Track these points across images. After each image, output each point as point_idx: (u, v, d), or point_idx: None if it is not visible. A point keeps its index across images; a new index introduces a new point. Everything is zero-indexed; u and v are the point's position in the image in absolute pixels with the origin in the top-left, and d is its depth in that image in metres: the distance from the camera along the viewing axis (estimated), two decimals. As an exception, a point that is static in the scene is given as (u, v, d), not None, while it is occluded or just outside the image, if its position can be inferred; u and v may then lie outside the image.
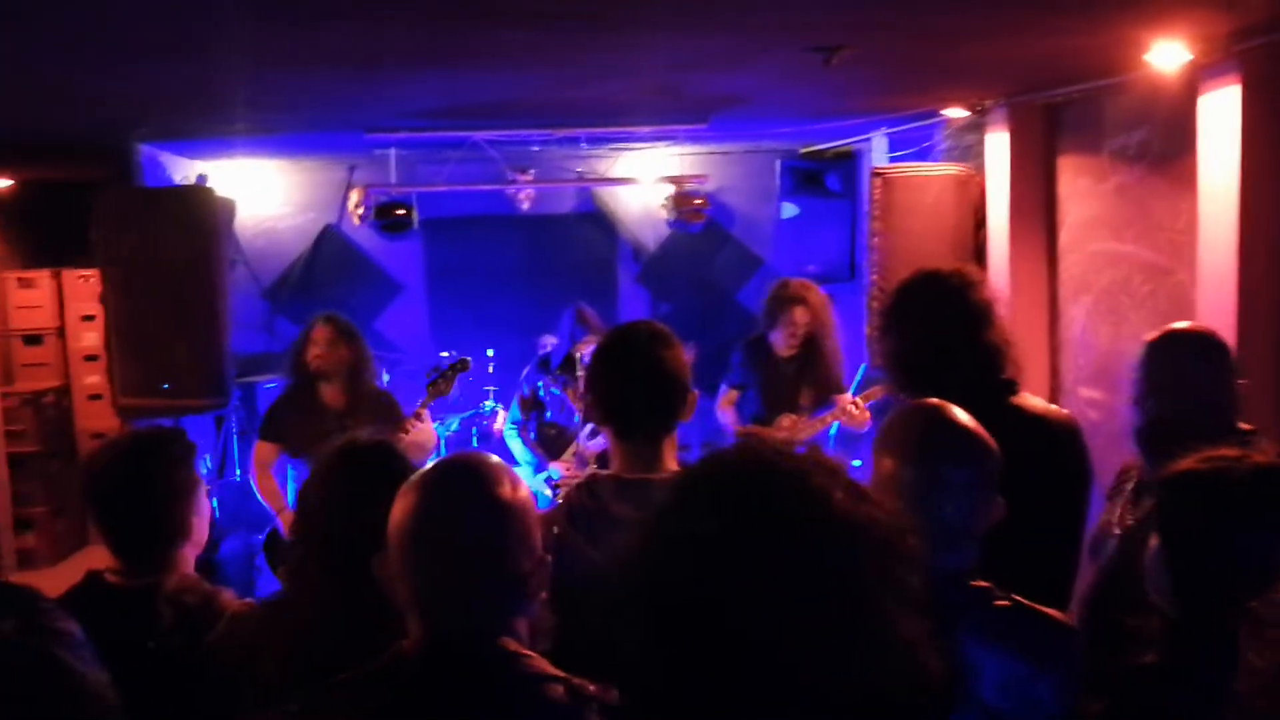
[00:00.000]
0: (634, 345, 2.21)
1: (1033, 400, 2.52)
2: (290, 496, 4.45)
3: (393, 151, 6.21)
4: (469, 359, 4.79)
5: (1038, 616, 1.68)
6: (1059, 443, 2.43)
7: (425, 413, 4.44)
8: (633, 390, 2.15)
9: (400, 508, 1.46)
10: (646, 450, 2.14)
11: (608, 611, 1.09)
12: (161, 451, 2.21)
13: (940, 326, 2.46)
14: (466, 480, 1.48)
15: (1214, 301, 3.61)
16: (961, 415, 1.79)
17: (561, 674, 1.42)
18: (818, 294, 4.91)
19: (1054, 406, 2.62)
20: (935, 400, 1.83)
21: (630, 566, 1.04)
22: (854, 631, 0.94)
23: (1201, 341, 2.50)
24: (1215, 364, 2.44)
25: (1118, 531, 2.44)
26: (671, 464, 2.17)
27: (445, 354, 6.34)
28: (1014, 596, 1.70)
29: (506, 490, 1.47)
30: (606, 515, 2.04)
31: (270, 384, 6.45)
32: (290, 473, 4.52)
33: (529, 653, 1.43)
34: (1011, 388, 2.47)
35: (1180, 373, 2.42)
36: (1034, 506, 1.90)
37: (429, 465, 1.54)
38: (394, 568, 1.46)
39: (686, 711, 0.99)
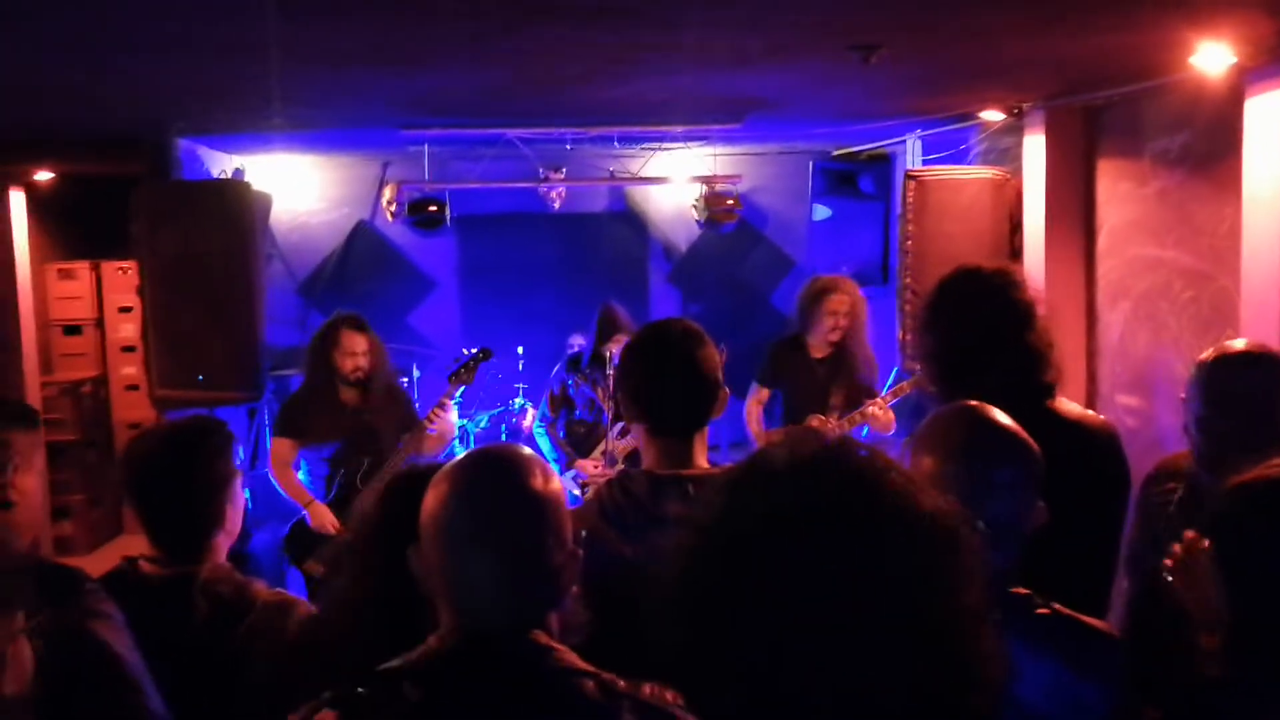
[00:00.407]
0: (667, 342, 2.21)
1: (1069, 405, 2.47)
2: (306, 483, 4.47)
3: (426, 148, 6.24)
4: (490, 349, 4.80)
5: (1078, 625, 1.66)
6: (1096, 448, 2.40)
7: (448, 403, 4.47)
8: (666, 387, 2.15)
9: (432, 498, 1.45)
10: (679, 447, 2.13)
11: (642, 608, 1.07)
12: (203, 442, 2.21)
13: (980, 324, 2.42)
14: (499, 471, 1.47)
15: (1257, 308, 3.55)
16: (1002, 416, 1.77)
17: (592, 669, 1.41)
18: (852, 286, 4.89)
19: (1090, 412, 2.58)
20: (974, 401, 1.81)
21: (678, 564, 1.01)
22: (916, 632, 0.91)
23: (1259, 359, 2.46)
24: (1273, 379, 2.40)
25: (1174, 546, 2.39)
26: (702, 461, 2.16)
27: (468, 351, 6.36)
28: (1054, 605, 1.67)
29: (539, 482, 1.46)
30: (641, 511, 2.03)
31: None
32: (302, 464, 4.55)
33: (560, 646, 1.43)
34: (1049, 391, 2.44)
35: (1236, 390, 2.37)
36: (1071, 511, 1.87)
37: (461, 456, 1.53)
38: (426, 559, 1.46)
39: (731, 713, 0.96)
